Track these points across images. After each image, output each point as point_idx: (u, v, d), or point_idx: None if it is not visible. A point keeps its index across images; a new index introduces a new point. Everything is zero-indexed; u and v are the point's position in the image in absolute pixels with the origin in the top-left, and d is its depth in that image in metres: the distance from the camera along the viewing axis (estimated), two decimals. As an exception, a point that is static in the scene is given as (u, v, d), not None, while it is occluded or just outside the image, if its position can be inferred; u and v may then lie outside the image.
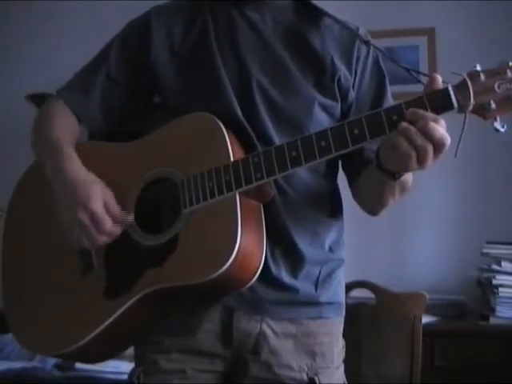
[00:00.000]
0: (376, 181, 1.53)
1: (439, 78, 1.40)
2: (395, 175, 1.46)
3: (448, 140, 1.37)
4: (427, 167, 1.39)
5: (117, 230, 1.57)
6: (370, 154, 1.61)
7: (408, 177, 1.52)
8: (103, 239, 1.56)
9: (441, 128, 1.36)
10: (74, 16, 3.95)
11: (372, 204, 1.66)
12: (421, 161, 1.38)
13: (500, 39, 3.48)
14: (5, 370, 2.78)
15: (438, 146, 1.36)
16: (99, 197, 1.56)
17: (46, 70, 3.76)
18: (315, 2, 1.67)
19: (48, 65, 3.85)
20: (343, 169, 1.70)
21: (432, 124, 1.35)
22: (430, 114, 1.37)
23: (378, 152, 1.48)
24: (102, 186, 1.59)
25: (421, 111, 1.37)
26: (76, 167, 1.61)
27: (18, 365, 2.84)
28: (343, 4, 3.24)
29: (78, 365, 2.70)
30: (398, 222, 3.50)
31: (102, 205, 1.55)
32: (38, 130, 1.72)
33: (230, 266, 1.45)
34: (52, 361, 2.83)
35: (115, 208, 1.57)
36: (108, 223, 1.55)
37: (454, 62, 3.33)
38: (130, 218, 1.58)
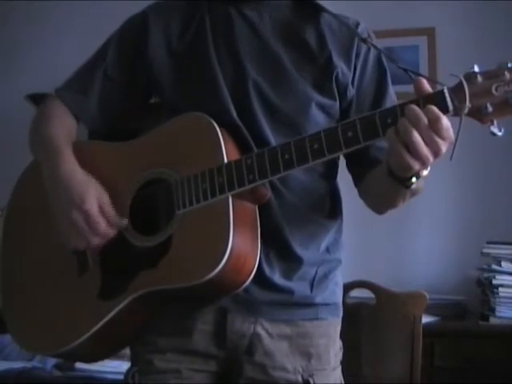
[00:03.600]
0: (388, 186, 1.51)
1: (425, 82, 1.38)
2: (406, 183, 1.44)
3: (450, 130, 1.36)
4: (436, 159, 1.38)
5: (111, 233, 1.56)
6: (376, 153, 1.60)
7: (420, 182, 1.49)
8: (97, 241, 1.56)
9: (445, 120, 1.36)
10: (74, 16, 3.96)
11: (381, 205, 1.65)
12: (435, 155, 1.37)
13: (500, 39, 3.48)
14: (5, 370, 2.78)
15: (446, 137, 1.36)
16: (94, 198, 1.56)
17: (45, 70, 3.75)
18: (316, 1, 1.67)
19: (48, 65, 3.85)
20: (348, 168, 1.68)
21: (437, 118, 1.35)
22: (432, 111, 1.35)
23: (387, 160, 1.46)
24: (98, 186, 1.58)
25: (419, 111, 1.36)
26: (71, 167, 1.61)
27: (18, 365, 2.84)
28: (343, 4, 3.24)
29: (78, 365, 2.70)
30: (398, 222, 3.49)
31: (96, 206, 1.55)
32: (35, 129, 1.72)
33: (223, 268, 1.45)
34: (52, 361, 2.83)
35: (110, 210, 1.56)
36: (102, 224, 1.55)
37: (454, 62, 3.33)
38: (124, 221, 1.57)
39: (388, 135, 1.38)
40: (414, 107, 1.36)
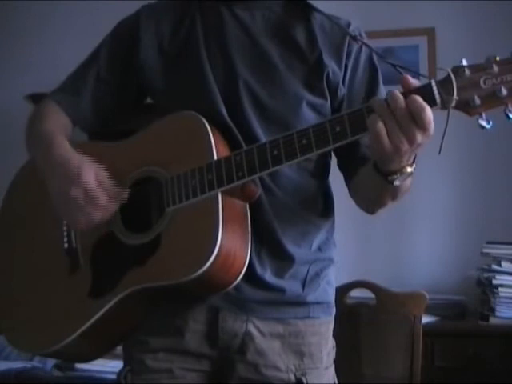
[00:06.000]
0: (374, 183, 1.51)
1: (410, 78, 1.38)
2: (389, 178, 1.43)
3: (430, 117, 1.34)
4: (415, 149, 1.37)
5: (112, 205, 1.54)
6: (365, 150, 1.60)
7: (404, 179, 1.47)
8: (100, 215, 1.54)
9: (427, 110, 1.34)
10: (74, 16, 3.96)
11: (369, 204, 1.65)
12: (410, 143, 1.35)
13: (500, 39, 3.48)
14: (5, 370, 2.78)
15: (421, 126, 1.34)
16: (91, 172, 1.54)
17: (45, 70, 3.75)
18: (312, 2, 1.67)
19: (48, 65, 3.86)
20: (339, 166, 1.68)
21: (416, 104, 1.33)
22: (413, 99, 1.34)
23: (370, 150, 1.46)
24: (92, 162, 1.56)
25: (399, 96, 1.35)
26: (64, 151, 1.59)
27: (17, 365, 2.84)
28: (343, 4, 3.25)
29: (78, 365, 2.70)
30: (397, 221, 3.50)
31: (94, 179, 1.53)
32: (29, 127, 1.71)
33: (211, 265, 1.45)
34: (52, 361, 2.83)
35: (108, 183, 1.55)
36: (102, 197, 1.53)
37: (454, 62, 3.32)
38: (125, 193, 1.56)
39: (369, 120, 1.36)
40: (395, 91, 1.35)
